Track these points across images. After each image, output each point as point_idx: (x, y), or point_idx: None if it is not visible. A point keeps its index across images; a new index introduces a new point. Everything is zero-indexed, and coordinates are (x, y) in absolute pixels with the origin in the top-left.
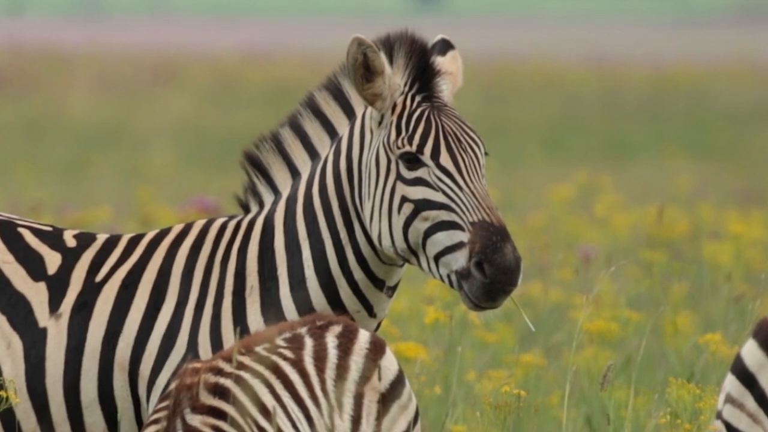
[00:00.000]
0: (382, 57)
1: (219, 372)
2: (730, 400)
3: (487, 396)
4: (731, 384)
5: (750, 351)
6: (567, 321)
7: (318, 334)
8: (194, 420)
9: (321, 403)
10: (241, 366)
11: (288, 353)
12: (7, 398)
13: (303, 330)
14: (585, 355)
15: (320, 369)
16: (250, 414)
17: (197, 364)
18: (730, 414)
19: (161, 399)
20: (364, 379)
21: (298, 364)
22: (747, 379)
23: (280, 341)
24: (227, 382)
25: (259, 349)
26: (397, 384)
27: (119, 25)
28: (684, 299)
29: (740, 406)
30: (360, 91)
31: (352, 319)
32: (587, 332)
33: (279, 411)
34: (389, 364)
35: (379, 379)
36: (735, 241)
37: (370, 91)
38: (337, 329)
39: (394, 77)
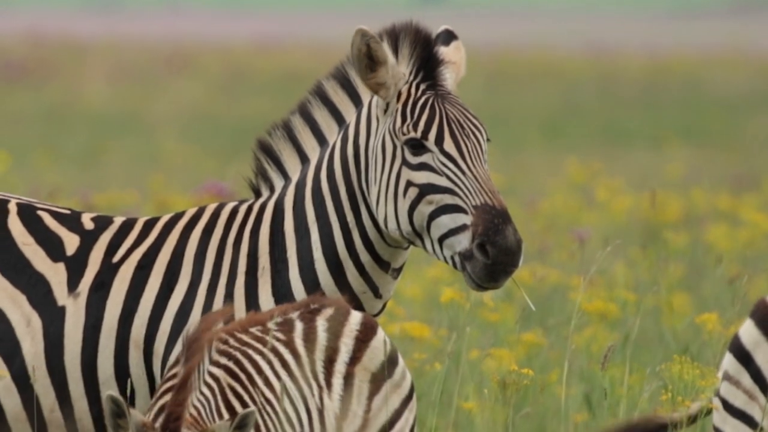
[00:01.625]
0: (385, 47)
1: (225, 342)
2: (726, 377)
3: (494, 374)
4: (728, 362)
5: (747, 330)
6: (566, 301)
7: (309, 318)
8: (214, 370)
9: (311, 384)
10: (243, 343)
11: (280, 335)
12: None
13: (294, 315)
14: (584, 334)
15: (310, 350)
16: (257, 384)
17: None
18: (727, 391)
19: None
20: (354, 360)
21: (290, 345)
22: (743, 356)
23: (271, 325)
24: (236, 353)
25: (254, 330)
26: (388, 363)
27: (134, 16)
28: (680, 280)
29: (736, 384)
30: (364, 80)
31: (353, 300)
32: (586, 312)
33: (277, 387)
34: (380, 344)
35: (384, 359)
36: (747, 227)
37: (373, 81)
38: (328, 312)
39: (399, 66)
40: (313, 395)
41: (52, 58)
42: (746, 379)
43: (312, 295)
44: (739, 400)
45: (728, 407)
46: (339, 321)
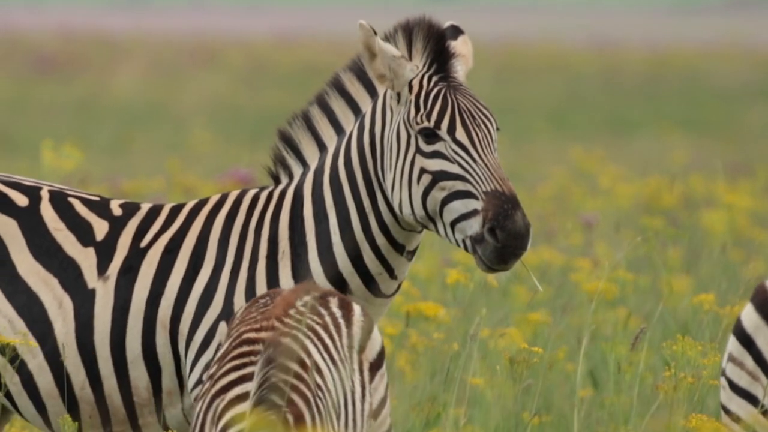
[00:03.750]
0: (377, 40)
1: (273, 329)
2: (731, 359)
3: (505, 352)
4: (732, 344)
5: (747, 314)
6: (570, 283)
7: (324, 303)
8: (275, 377)
9: (347, 366)
10: (289, 327)
11: (316, 318)
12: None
13: (309, 298)
14: (586, 313)
15: (340, 335)
16: (309, 370)
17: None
18: (732, 372)
19: (235, 345)
20: (361, 349)
21: (326, 329)
22: (745, 340)
23: (300, 308)
24: (286, 340)
25: (293, 312)
26: (382, 355)
27: (161, 12)
28: (679, 263)
29: (740, 365)
30: (368, 71)
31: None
32: (592, 293)
33: (325, 370)
34: (376, 336)
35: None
36: (728, 210)
37: (373, 72)
38: (336, 301)
39: (414, 59)
40: (348, 377)
41: (83, 52)
42: (749, 361)
43: (305, 282)
44: (743, 381)
45: (733, 387)
46: (347, 310)
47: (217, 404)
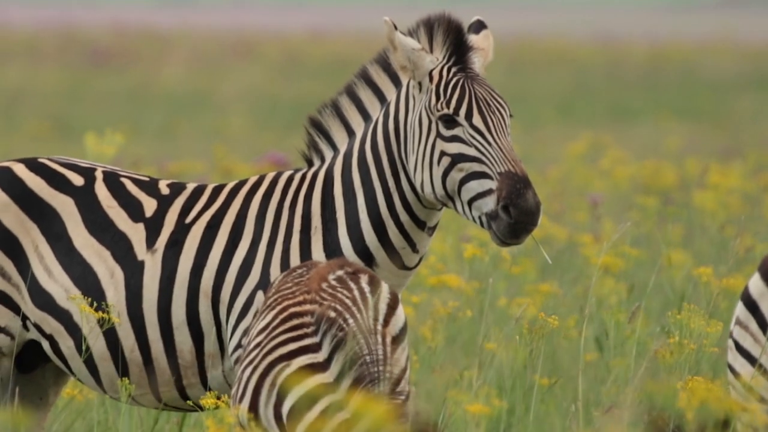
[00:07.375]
0: (397, 34)
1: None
2: (738, 322)
3: (522, 321)
4: (739, 309)
5: (754, 282)
6: (578, 256)
7: (355, 278)
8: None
9: (373, 337)
10: (328, 300)
11: (346, 292)
12: (109, 320)
13: (341, 273)
14: (596, 285)
15: (367, 308)
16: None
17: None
18: (738, 334)
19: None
20: (385, 323)
21: (355, 302)
22: (751, 305)
23: (333, 281)
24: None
25: (325, 285)
26: (404, 330)
27: (205, 9)
28: (677, 238)
29: (745, 328)
30: (392, 63)
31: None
32: (596, 266)
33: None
34: (400, 312)
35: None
36: (717, 190)
37: (396, 63)
38: (366, 277)
39: (434, 52)
40: (374, 347)
41: (134, 46)
42: (753, 325)
43: (339, 258)
44: (747, 342)
45: (738, 348)
46: (376, 286)
47: (278, 371)
